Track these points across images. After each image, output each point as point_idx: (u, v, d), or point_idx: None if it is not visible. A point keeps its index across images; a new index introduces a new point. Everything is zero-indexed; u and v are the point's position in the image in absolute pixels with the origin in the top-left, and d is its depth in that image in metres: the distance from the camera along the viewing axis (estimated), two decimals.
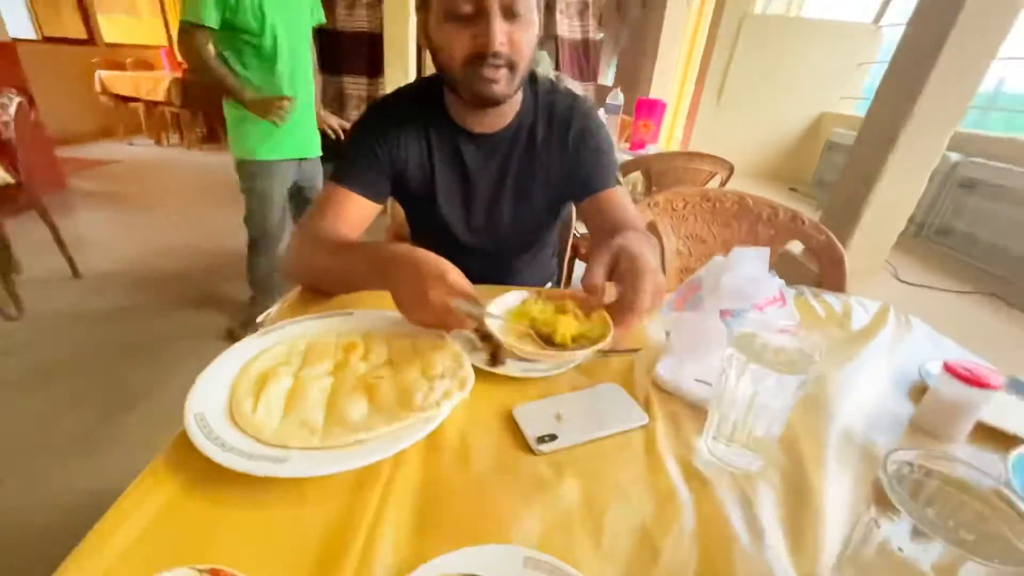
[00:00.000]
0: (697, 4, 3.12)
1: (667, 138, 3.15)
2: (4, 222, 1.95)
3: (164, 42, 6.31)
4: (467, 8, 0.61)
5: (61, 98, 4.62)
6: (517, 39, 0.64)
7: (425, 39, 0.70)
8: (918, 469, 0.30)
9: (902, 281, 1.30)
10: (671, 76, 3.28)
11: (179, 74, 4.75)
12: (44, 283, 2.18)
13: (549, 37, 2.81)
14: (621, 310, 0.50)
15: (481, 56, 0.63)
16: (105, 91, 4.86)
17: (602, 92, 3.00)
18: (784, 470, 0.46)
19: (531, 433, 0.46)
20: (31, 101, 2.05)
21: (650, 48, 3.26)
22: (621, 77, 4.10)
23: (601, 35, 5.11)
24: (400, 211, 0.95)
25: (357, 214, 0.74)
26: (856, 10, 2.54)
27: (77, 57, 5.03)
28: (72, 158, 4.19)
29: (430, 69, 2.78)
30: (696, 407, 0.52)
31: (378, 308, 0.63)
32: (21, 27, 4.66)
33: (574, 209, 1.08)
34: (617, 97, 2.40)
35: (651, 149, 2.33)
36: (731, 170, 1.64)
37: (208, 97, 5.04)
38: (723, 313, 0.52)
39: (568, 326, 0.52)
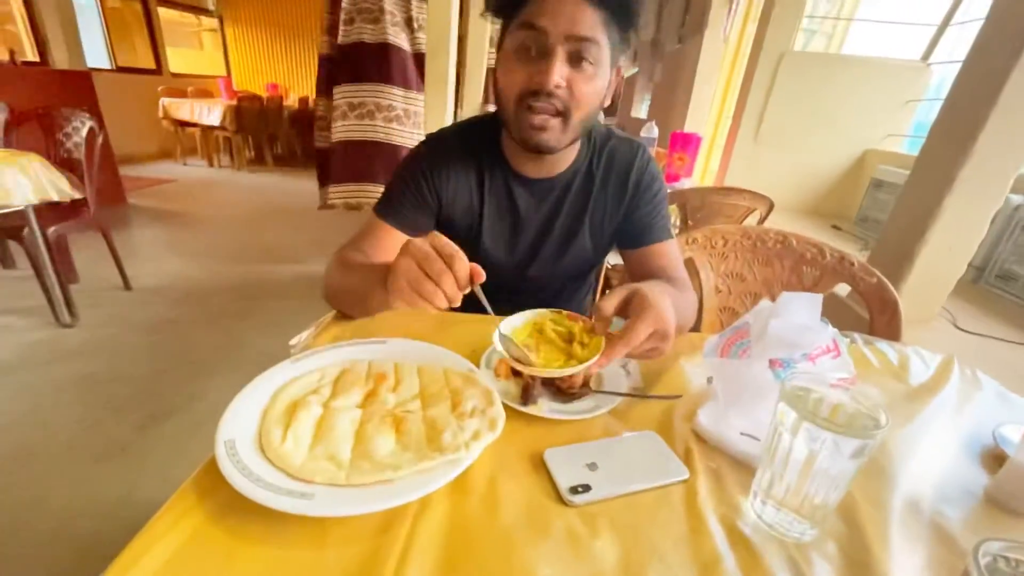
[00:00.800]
0: (734, 41, 3.13)
1: (702, 172, 3.12)
2: (68, 235, 2.09)
3: (223, 72, 6.80)
4: (531, 42, 0.62)
5: (128, 122, 5.01)
6: (577, 87, 0.63)
7: (495, 79, 0.71)
8: (1013, 563, 0.27)
9: (961, 329, 1.22)
10: (706, 110, 3.27)
11: (234, 102, 5.08)
12: (98, 293, 2.31)
13: None
14: (613, 339, 0.50)
15: (535, 93, 0.63)
16: (167, 116, 5.23)
17: (636, 125, 3.01)
18: (842, 542, 0.42)
19: (563, 482, 0.44)
20: (101, 124, 2.21)
21: (685, 82, 3.27)
22: (655, 111, 4.13)
23: (635, 69, 5.19)
24: None
25: (395, 249, 0.74)
26: (903, 47, 2.49)
27: (145, 85, 5.47)
28: (133, 176, 4.50)
29: (467, 98, 2.81)
30: (741, 463, 0.49)
31: (410, 337, 0.63)
32: (99, 58, 5.11)
33: None
34: (652, 130, 2.41)
35: (685, 182, 2.31)
36: (770, 206, 1.59)
37: (257, 123, 5.37)
38: (772, 362, 0.49)
39: (549, 357, 0.53)
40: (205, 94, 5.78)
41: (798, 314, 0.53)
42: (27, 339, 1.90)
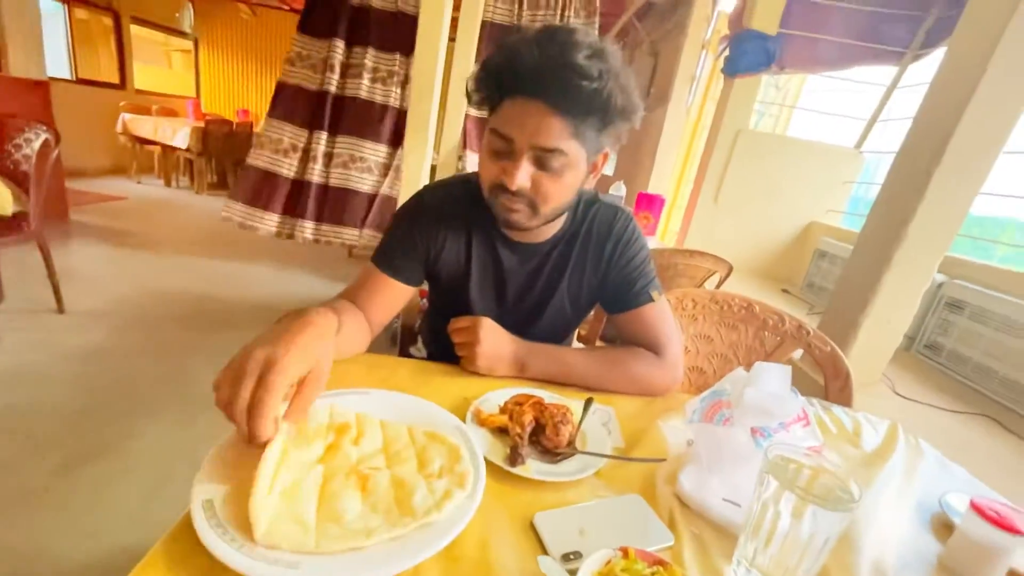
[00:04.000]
0: (695, 114, 3.43)
1: (663, 231, 3.31)
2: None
3: (192, 93, 6.68)
4: (500, 147, 0.66)
5: (82, 134, 4.77)
6: (544, 187, 0.67)
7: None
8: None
9: (899, 395, 1.32)
10: (669, 174, 3.51)
11: (202, 124, 4.97)
12: (25, 316, 2.11)
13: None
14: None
15: (503, 188, 0.67)
16: (126, 132, 5.03)
17: (604, 183, 3.19)
18: None
19: (555, 549, 0.44)
20: (57, 139, 2.10)
21: (650, 147, 3.52)
22: (621, 170, 4.38)
23: None
24: None
25: (390, 297, 0.77)
26: (837, 135, 2.83)
27: (106, 99, 5.27)
28: (79, 191, 4.24)
29: (444, 145, 2.93)
30: (723, 529, 0.50)
31: (392, 388, 0.62)
32: (60, 67, 4.90)
33: None
34: (620, 189, 2.56)
35: (649, 241, 2.44)
36: (729, 269, 1.70)
37: (224, 147, 5.25)
38: (753, 431, 0.51)
39: None
40: (170, 113, 5.63)
41: (771, 383, 0.57)
42: None
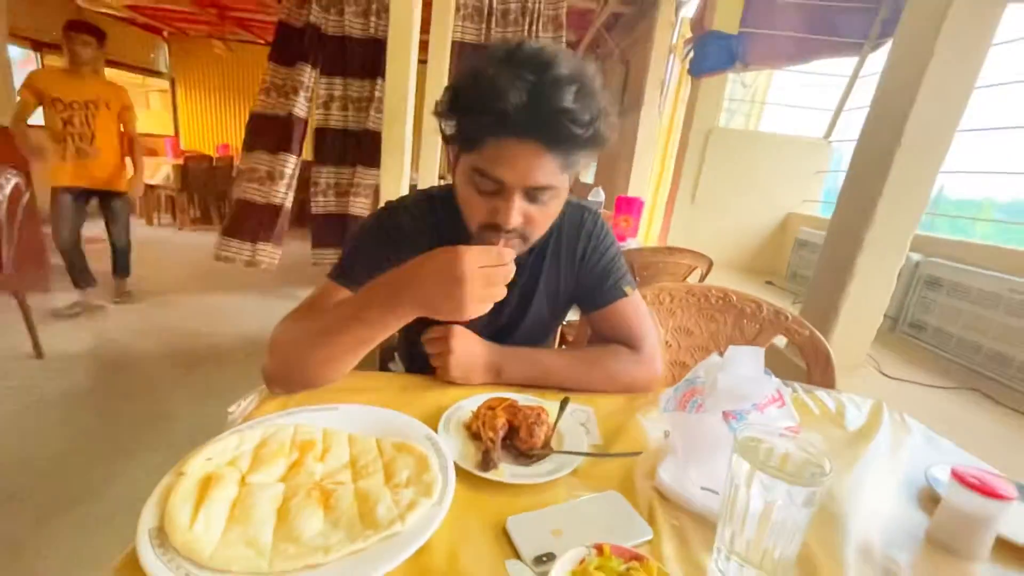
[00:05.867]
0: (667, 116, 3.49)
1: (646, 232, 3.33)
2: None
3: (171, 132, 6.69)
4: (490, 187, 0.63)
5: None
6: (535, 218, 0.66)
7: (451, 171, 0.71)
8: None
9: (885, 375, 1.32)
10: (646, 176, 3.55)
11: (180, 161, 4.97)
12: (3, 363, 2.06)
13: None
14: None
15: (495, 228, 0.65)
16: None
17: (583, 190, 3.21)
18: None
19: (528, 553, 0.42)
20: (28, 182, 2.08)
21: (627, 152, 3.56)
22: (600, 176, 4.43)
23: None
24: None
25: None
26: (807, 127, 2.88)
27: None
28: None
29: (423, 164, 2.92)
30: (704, 519, 0.49)
31: (363, 403, 0.60)
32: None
33: None
34: (599, 194, 2.58)
35: (631, 242, 2.45)
36: (710, 264, 1.71)
37: (206, 182, 5.24)
38: (725, 415, 0.50)
39: None
40: (150, 153, 5.61)
41: (744, 366, 0.56)
42: None
